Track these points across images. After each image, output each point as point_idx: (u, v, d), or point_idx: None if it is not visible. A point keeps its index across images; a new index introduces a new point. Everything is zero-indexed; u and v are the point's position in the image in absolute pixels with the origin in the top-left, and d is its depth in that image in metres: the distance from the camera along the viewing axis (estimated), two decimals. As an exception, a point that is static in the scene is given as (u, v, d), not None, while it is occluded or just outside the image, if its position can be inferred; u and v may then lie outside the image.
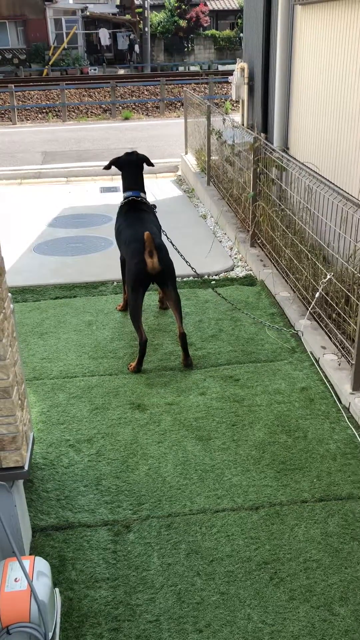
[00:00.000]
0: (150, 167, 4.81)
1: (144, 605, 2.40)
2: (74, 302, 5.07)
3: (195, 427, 3.44)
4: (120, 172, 4.63)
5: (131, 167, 4.55)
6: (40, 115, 16.93)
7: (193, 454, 3.22)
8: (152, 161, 4.81)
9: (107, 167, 4.63)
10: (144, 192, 4.53)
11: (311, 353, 4.11)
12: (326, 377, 3.83)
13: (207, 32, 32.74)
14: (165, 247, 4.09)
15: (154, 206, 4.59)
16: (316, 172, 4.84)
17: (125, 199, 4.49)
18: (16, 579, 2.08)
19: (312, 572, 2.52)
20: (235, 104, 14.67)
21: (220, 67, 27.06)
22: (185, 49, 32.62)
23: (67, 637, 2.28)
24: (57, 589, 2.30)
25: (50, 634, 2.09)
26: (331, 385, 3.74)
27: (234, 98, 8.30)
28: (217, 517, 2.81)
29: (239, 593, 2.44)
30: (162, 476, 3.07)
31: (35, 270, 5.77)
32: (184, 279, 5.40)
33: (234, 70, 8.10)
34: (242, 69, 7.80)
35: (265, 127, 6.98)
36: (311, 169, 4.94)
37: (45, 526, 2.79)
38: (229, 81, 8.93)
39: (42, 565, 2.19)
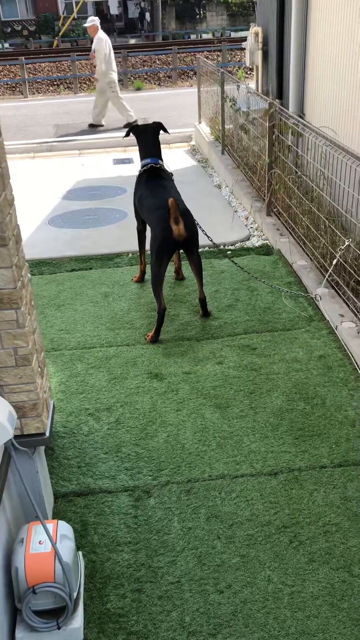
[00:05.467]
0: (164, 137, 4.74)
1: (165, 567, 2.45)
2: (89, 274, 5.07)
3: (213, 395, 3.45)
4: (134, 144, 4.58)
5: (148, 134, 4.49)
6: (51, 88, 16.73)
7: (211, 422, 3.23)
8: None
9: (127, 135, 4.61)
10: (162, 159, 4.48)
11: (329, 320, 4.08)
12: (345, 344, 3.81)
13: (219, -3, 31.93)
14: (190, 212, 4.06)
15: (171, 173, 4.54)
16: (333, 138, 4.73)
17: (143, 166, 4.43)
18: (40, 541, 2.13)
19: (332, 536, 2.54)
20: (249, 72, 14.36)
21: (233, 34, 26.42)
22: (197, 16, 31.89)
23: (91, 597, 2.34)
24: (80, 552, 2.35)
25: (75, 594, 2.14)
26: (350, 352, 3.72)
27: (247, 64, 8.12)
28: (236, 482, 2.83)
29: (259, 556, 2.47)
30: (181, 443, 3.09)
31: (51, 243, 5.77)
32: (199, 249, 5.35)
33: (247, 36, 7.90)
34: (256, 34, 7.60)
35: (281, 93, 6.83)
36: (328, 135, 4.83)
37: (66, 492, 2.83)
38: (243, 47, 8.73)
39: (65, 528, 2.23)
